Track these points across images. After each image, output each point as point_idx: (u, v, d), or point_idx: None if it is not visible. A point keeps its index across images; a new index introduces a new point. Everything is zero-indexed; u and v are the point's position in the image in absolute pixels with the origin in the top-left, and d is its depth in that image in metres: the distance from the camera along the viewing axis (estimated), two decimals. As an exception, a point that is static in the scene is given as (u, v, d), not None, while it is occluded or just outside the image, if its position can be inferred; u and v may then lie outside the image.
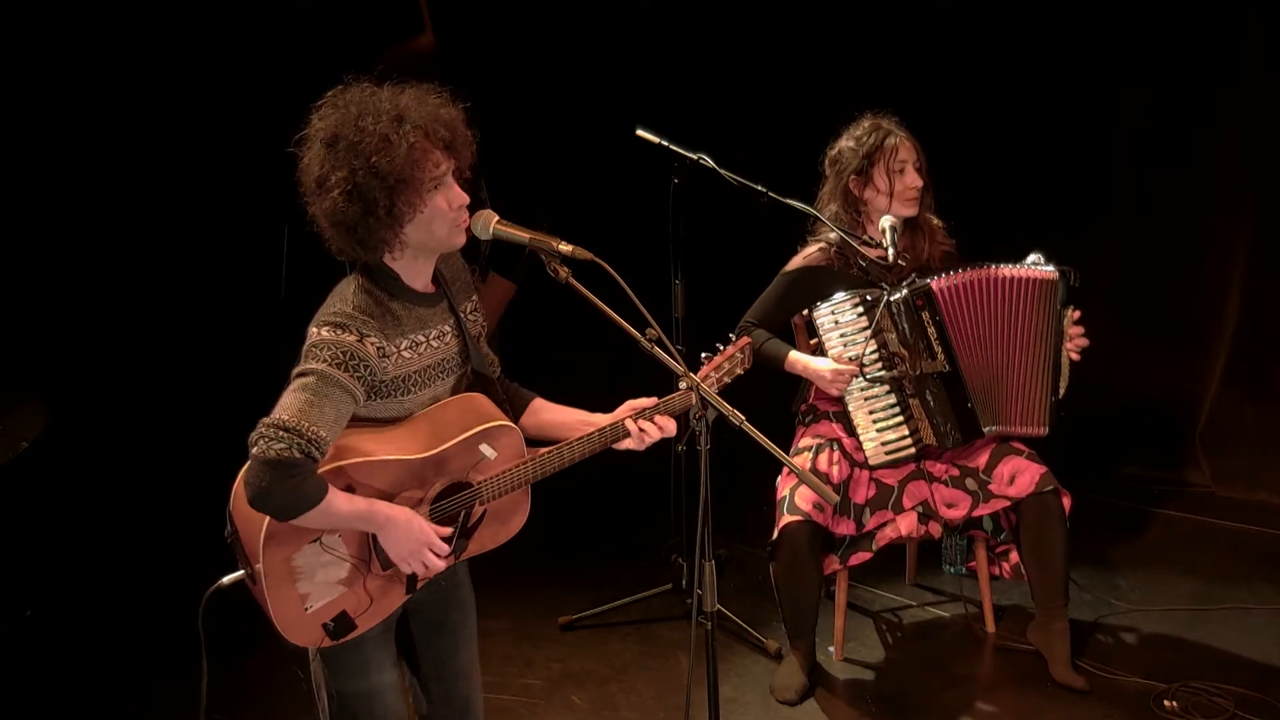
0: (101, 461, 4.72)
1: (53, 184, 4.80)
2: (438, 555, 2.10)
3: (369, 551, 2.10)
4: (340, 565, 2.08)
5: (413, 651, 2.35)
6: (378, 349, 2.03)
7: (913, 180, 3.21)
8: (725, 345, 2.42)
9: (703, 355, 2.39)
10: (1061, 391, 3.25)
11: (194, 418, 4.88)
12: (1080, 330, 3.21)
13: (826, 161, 3.33)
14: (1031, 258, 3.21)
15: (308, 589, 2.05)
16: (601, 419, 2.27)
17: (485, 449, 2.17)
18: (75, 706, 3.35)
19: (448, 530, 2.15)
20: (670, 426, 2.27)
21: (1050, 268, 3.18)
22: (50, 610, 3.83)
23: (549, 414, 2.36)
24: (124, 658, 3.57)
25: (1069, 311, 3.21)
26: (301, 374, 1.97)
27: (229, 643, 2.15)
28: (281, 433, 1.88)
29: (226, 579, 2.11)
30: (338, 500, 1.96)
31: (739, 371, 2.44)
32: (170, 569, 4.06)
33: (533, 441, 2.28)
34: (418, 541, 2.07)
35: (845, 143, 3.28)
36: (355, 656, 2.18)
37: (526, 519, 2.30)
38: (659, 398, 2.28)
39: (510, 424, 2.21)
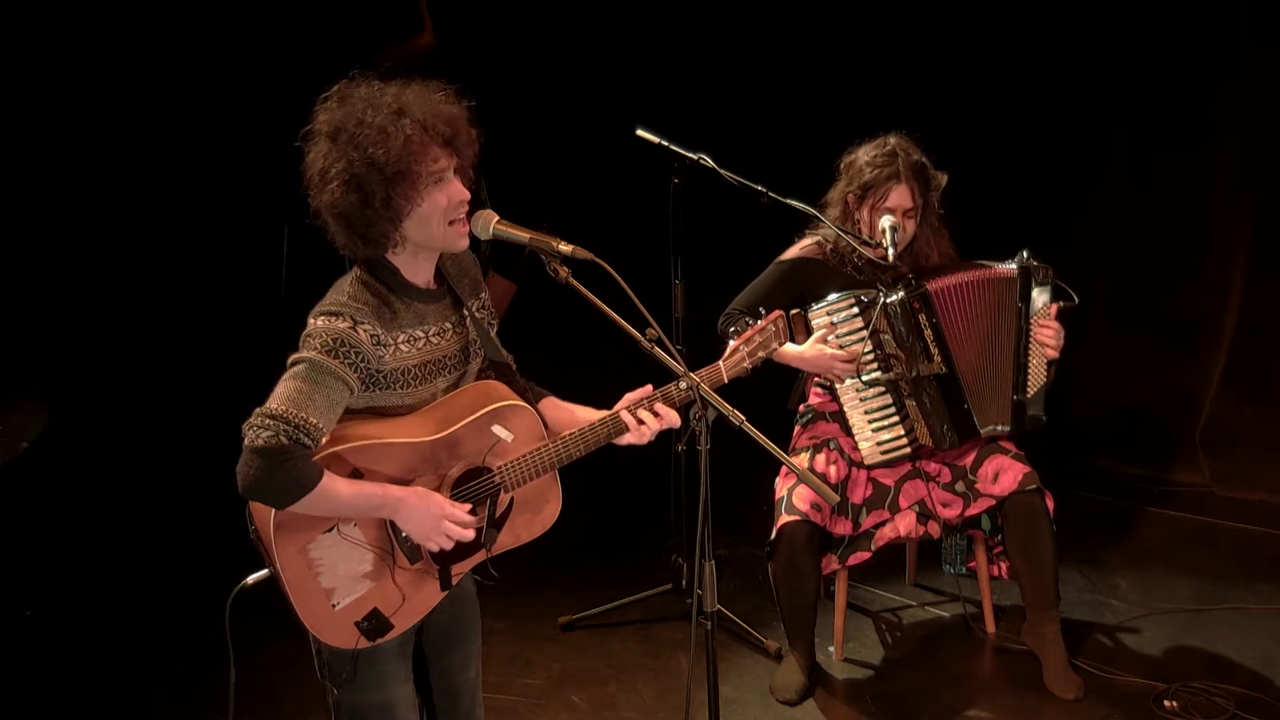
0: (102, 461, 4.73)
1: (53, 183, 4.80)
2: (461, 526, 2.07)
3: (390, 541, 2.08)
4: (363, 557, 2.04)
5: (420, 666, 2.34)
6: (372, 336, 2.02)
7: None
8: (746, 328, 2.29)
9: (730, 330, 2.33)
10: (1029, 391, 3.24)
11: (193, 418, 4.88)
12: (1052, 324, 3.19)
13: (842, 165, 3.30)
14: (1018, 257, 3.22)
15: (331, 583, 2.02)
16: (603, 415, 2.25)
17: (499, 430, 2.14)
18: (75, 706, 3.35)
19: (467, 506, 2.11)
20: (672, 416, 2.20)
21: (1012, 264, 3.19)
22: (50, 610, 3.83)
23: (550, 413, 2.33)
24: (124, 657, 3.56)
25: (1046, 308, 3.20)
26: (293, 363, 1.98)
27: (235, 642, 2.13)
28: (269, 420, 1.89)
29: (251, 578, 2.06)
30: (339, 484, 1.94)
31: (775, 346, 2.30)
32: (170, 568, 4.07)
33: None
34: (434, 515, 2.04)
35: (861, 157, 3.24)
36: (372, 669, 2.14)
37: (560, 509, 2.26)
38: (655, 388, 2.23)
39: (523, 404, 2.19)
